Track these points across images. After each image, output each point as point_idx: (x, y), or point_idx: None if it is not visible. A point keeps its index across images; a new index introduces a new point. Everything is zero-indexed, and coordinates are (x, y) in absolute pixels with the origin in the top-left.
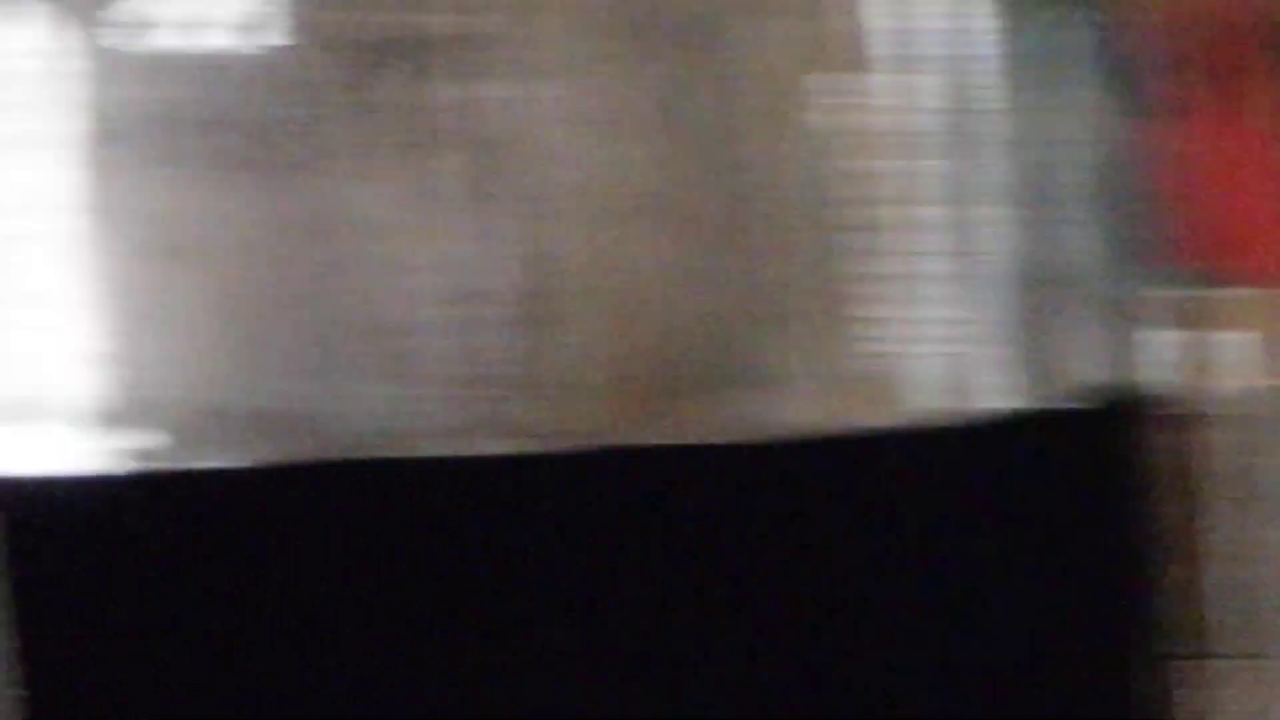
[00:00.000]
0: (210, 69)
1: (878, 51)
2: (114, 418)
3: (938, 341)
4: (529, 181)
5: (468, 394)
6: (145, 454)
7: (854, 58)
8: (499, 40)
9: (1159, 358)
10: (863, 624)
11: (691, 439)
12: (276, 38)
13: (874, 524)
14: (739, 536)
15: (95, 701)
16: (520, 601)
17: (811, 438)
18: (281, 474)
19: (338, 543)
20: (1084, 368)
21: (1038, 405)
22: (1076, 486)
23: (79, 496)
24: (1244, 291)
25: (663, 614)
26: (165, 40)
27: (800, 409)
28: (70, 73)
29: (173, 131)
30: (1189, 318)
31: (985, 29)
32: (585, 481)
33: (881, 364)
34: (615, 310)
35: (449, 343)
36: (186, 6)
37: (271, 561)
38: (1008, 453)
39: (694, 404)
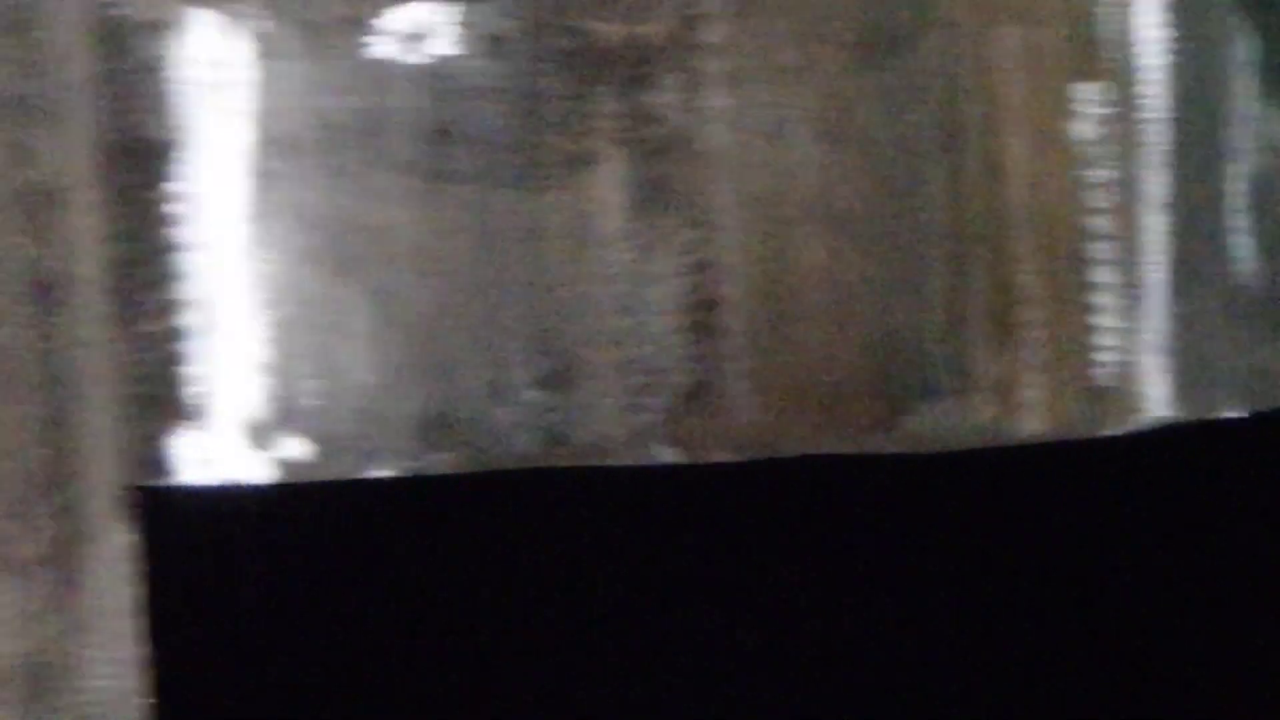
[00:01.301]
0: (427, 80)
1: (1091, 61)
2: (281, 425)
3: (1156, 349)
4: (743, 191)
5: (638, 403)
6: (306, 463)
7: (1068, 66)
8: (711, 49)
9: None
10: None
11: (914, 448)
12: (495, 50)
13: (1110, 525)
14: (966, 541)
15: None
16: (704, 609)
17: (1036, 444)
18: (449, 482)
19: (502, 552)
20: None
21: (1250, 408)
22: None
23: (225, 507)
24: None
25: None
26: (384, 50)
27: (1021, 417)
28: (284, 80)
29: (390, 140)
30: None
31: (1189, 37)
32: (784, 490)
33: (1105, 371)
34: (817, 321)
35: (622, 353)
36: (408, 17)
37: (438, 570)
38: (1229, 455)
39: (914, 413)
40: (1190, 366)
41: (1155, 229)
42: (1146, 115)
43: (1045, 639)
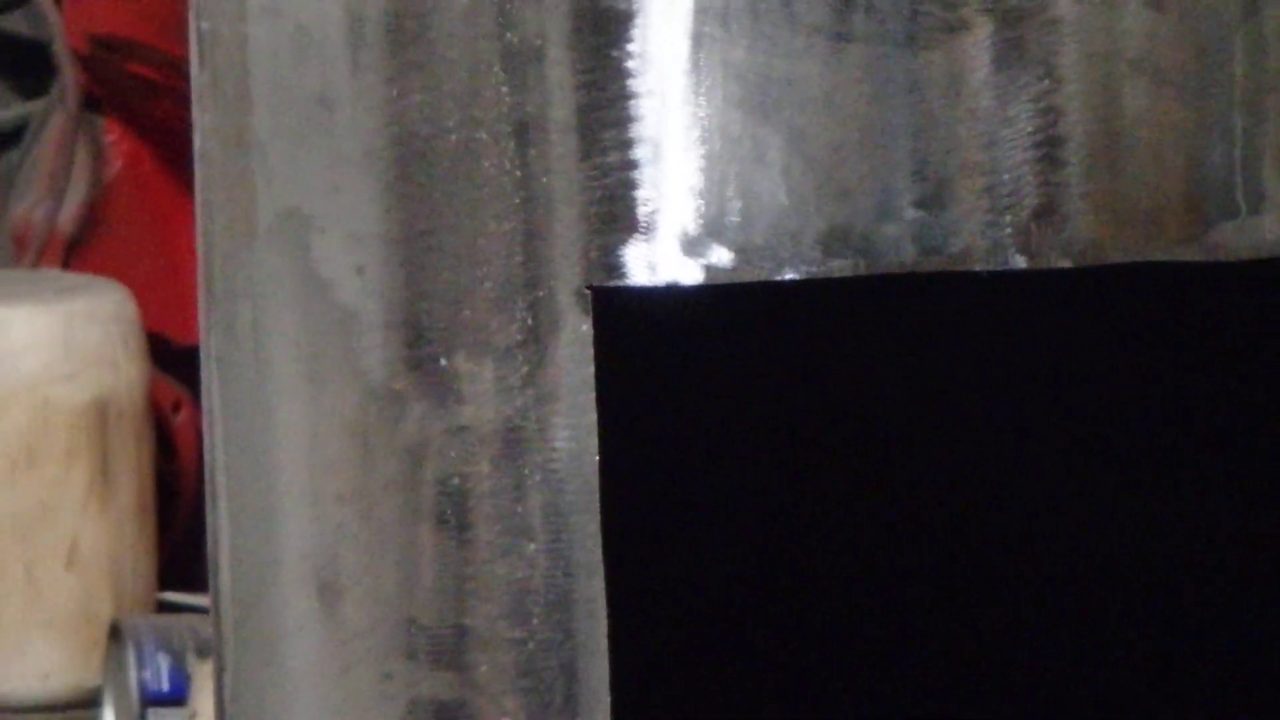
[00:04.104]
0: None
1: None
2: (710, 238)
3: None
4: (1084, 51)
5: (997, 220)
6: (729, 269)
7: None
8: None
9: None
10: None
11: (1218, 258)
12: None
13: None
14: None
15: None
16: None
17: None
18: (845, 285)
19: (883, 345)
20: None
21: None
22: None
23: (663, 304)
24: None
25: None
26: None
27: None
28: None
29: (801, 8)
30: None
31: None
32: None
33: None
34: (1141, 155)
35: (986, 180)
36: None
37: (826, 359)
38: None
39: (1218, 229)
40: None
41: None
42: None
43: None
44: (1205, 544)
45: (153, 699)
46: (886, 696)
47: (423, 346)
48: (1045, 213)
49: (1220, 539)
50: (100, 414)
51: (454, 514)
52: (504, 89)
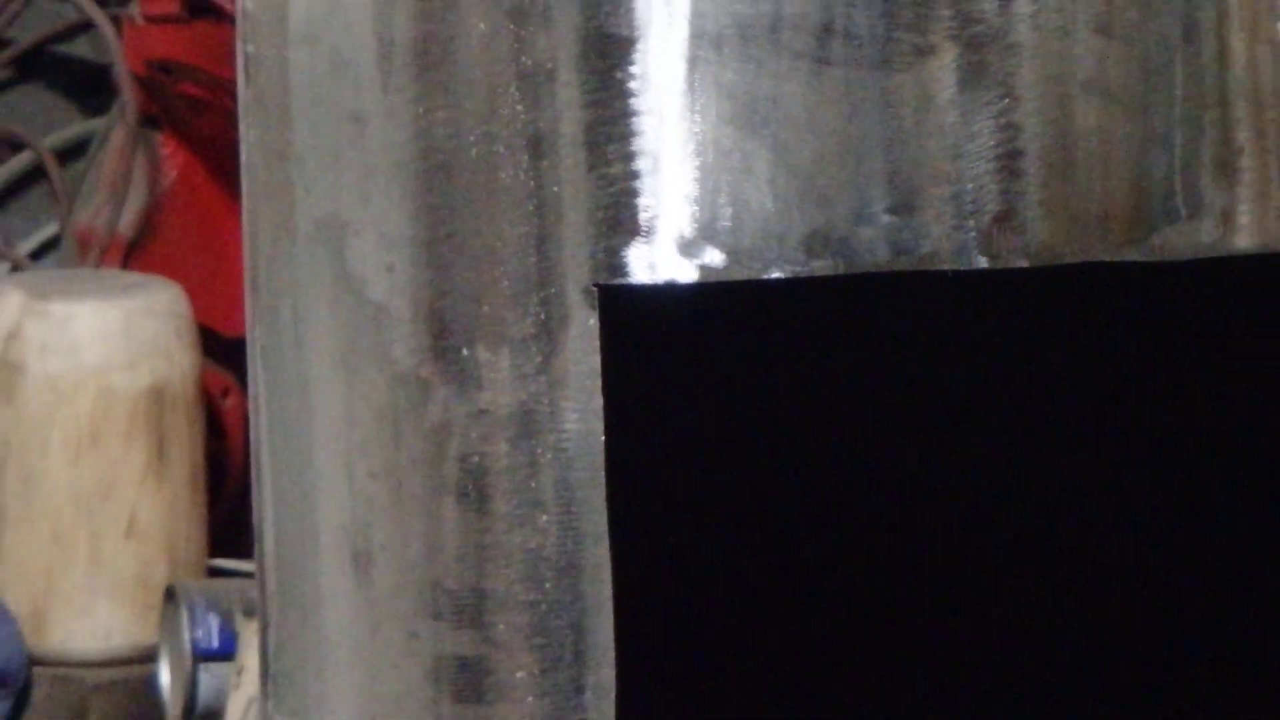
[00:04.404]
0: None
1: None
2: (704, 240)
3: None
4: (1040, 72)
5: (962, 225)
6: (721, 268)
7: None
8: None
9: None
10: None
11: (1160, 258)
12: None
13: None
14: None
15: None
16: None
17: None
18: (823, 283)
19: (860, 333)
20: None
21: None
22: None
23: (662, 300)
24: None
25: None
26: None
27: (1237, 235)
28: None
29: (786, 36)
30: None
31: None
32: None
33: None
34: (1091, 165)
35: (951, 188)
36: None
37: (808, 347)
38: None
39: (1160, 232)
40: None
41: None
42: None
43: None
44: (1162, 525)
45: (204, 655)
46: (863, 653)
47: (446, 338)
48: (1005, 218)
49: (1172, 520)
50: (156, 399)
51: (474, 489)
52: (519, 107)
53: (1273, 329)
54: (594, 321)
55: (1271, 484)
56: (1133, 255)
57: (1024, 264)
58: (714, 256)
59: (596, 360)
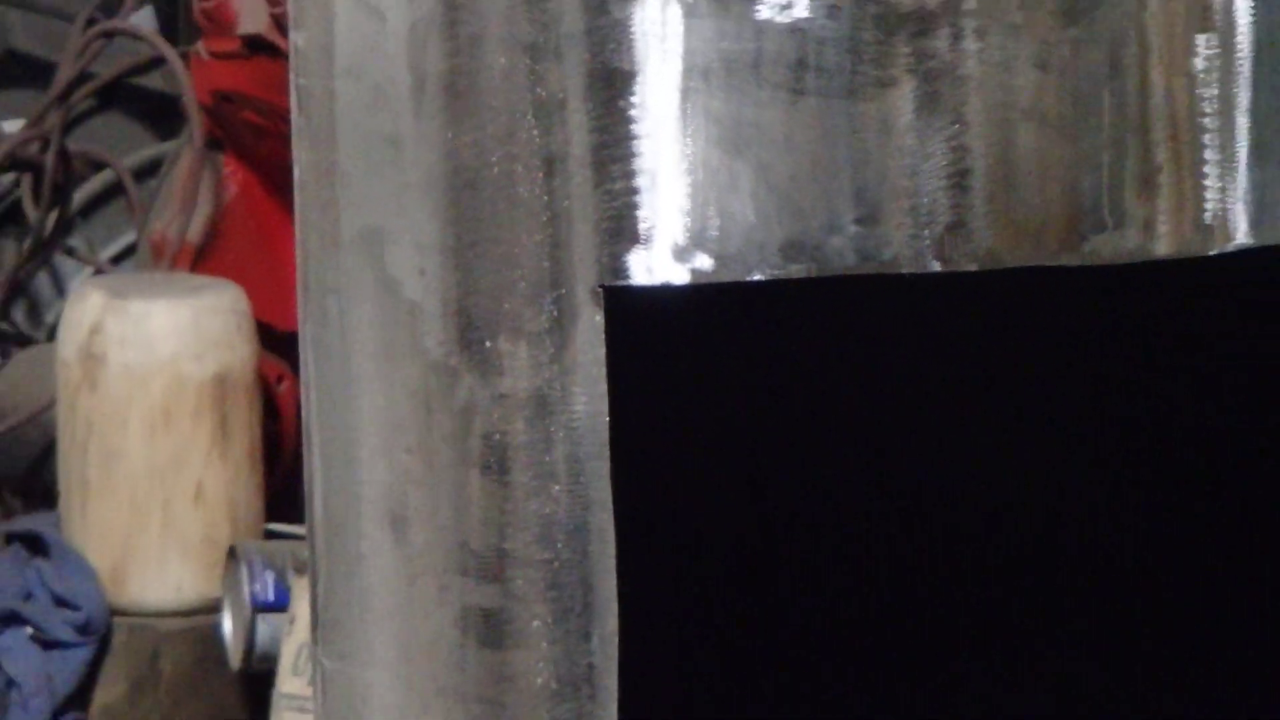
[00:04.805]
0: (790, 31)
1: (1205, 18)
2: (694, 247)
3: (1241, 199)
4: (986, 102)
5: (919, 234)
6: (709, 271)
7: (1190, 22)
8: (968, 12)
9: None
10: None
11: (1091, 263)
12: (833, 14)
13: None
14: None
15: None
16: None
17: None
18: (799, 285)
19: (827, 327)
20: None
21: None
22: None
23: (659, 299)
24: None
25: None
26: (765, 13)
27: (1157, 243)
28: (700, 32)
29: (766, 69)
30: None
31: None
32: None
33: (1209, 214)
34: (1031, 182)
35: (909, 202)
36: None
37: (784, 340)
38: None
39: (1091, 240)
40: (1262, 209)
41: (1242, 125)
42: (1238, 54)
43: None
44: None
45: (261, 606)
46: (848, 628)
47: (472, 331)
48: (956, 228)
49: (1155, 516)
50: (220, 385)
51: (496, 462)
52: (534, 132)
53: (1249, 327)
54: (599, 318)
55: (1252, 481)
56: (1067, 260)
57: (973, 268)
58: (704, 261)
59: (601, 352)
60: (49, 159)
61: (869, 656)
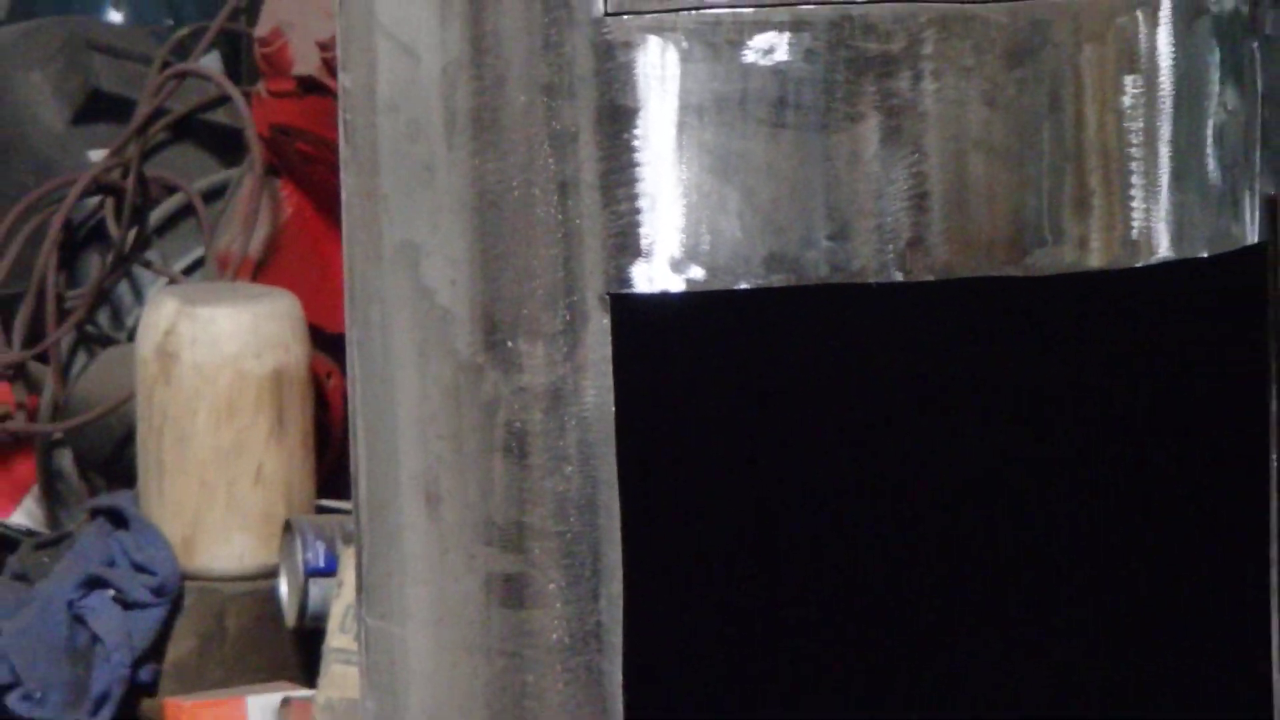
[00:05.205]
0: (772, 73)
1: (1132, 61)
2: (689, 259)
3: (1163, 218)
4: (942, 134)
5: (883, 248)
6: (702, 280)
7: (1120, 65)
8: (926, 56)
9: None
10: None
11: (1033, 274)
12: (809, 57)
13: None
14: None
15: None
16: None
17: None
18: (779, 292)
19: (801, 330)
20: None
21: (1211, 252)
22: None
23: (658, 304)
24: None
25: None
26: (751, 57)
27: (1090, 257)
28: (695, 74)
29: (751, 106)
30: None
31: None
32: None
33: (1136, 231)
34: (981, 203)
35: (875, 221)
36: (764, 40)
37: (767, 343)
38: (1200, 282)
39: (1032, 255)
40: (1181, 228)
41: (1164, 154)
42: (1160, 93)
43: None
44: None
45: (312, 572)
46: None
47: (496, 333)
48: (915, 243)
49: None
50: (277, 380)
51: (516, 447)
52: (550, 160)
53: (1174, 331)
54: (607, 321)
55: (1224, 478)
56: (1011, 271)
57: (930, 278)
58: (697, 272)
59: (609, 351)
60: (129, 184)
61: (867, 656)
